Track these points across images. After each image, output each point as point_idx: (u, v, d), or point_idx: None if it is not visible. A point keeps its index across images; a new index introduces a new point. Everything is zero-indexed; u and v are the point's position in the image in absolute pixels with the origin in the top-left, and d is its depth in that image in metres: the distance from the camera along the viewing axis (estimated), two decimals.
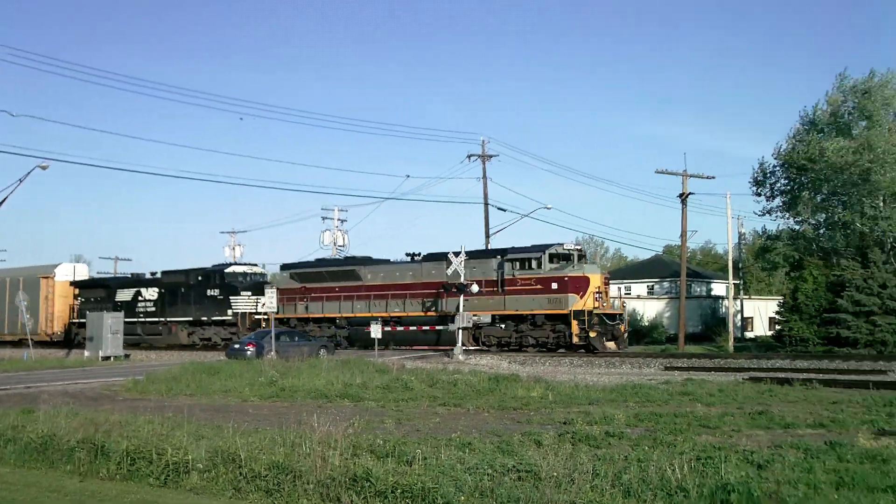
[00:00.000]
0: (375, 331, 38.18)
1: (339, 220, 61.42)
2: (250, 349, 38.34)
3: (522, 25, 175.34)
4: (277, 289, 51.46)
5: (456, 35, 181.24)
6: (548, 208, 56.34)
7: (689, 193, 52.62)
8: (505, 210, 58.71)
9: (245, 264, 54.74)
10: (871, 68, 53.86)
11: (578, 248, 42.71)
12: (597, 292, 39.30)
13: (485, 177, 55.64)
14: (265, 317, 49.51)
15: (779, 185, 56.86)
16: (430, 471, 11.48)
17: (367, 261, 49.99)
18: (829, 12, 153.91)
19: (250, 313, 51.41)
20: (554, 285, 39.70)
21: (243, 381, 26.46)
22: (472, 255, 43.02)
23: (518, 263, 41.12)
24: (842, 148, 49.66)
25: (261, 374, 27.68)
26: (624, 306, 43.70)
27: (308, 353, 35.99)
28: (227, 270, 53.03)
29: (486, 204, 55.58)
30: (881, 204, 50.34)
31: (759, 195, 57.62)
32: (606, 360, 35.98)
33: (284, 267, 53.47)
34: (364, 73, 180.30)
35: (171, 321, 54.76)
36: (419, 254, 46.04)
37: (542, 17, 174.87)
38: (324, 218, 61.87)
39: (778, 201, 56.94)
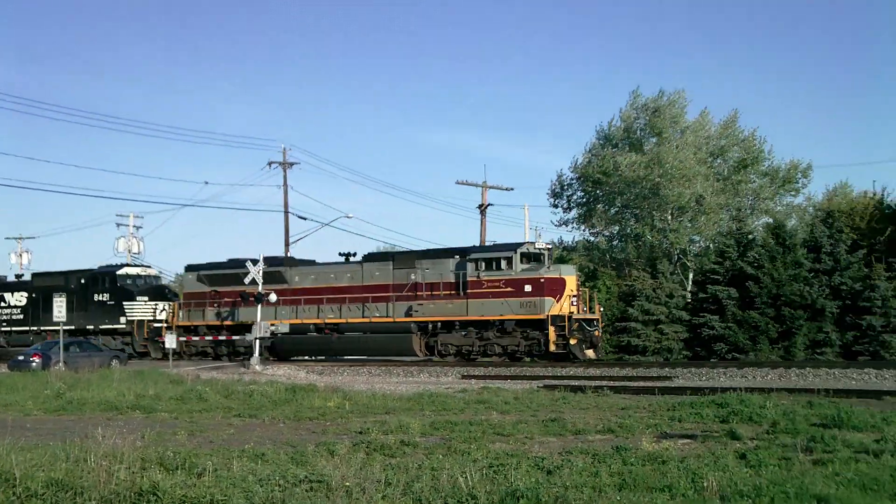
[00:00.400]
0: (170, 341, 37.33)
1: (134, 226, 59.67)
2: (36, 360, 36.76)
3: (324, 34, 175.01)
4: (183, 293, 47.21)
5: (259, 43, 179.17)
6: (349, 217, 56.29)
7: (489, 204, 53.71)
8: (306, 219, 58.47)
9: (138, 266, 49.94)
10: (661, 88, 56.44)
11: (549, 246, 39.98)
12: (573, 295, 36.43)
13: (285, 185, 55.34)
14: (166, 324, 46.00)
15: (575, 197, 58.53)
16: (220, 483, 11.27)
17: (291, 261, 45.88)
18: (625, 31, 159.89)
19: (148, 321, 46.63)
20: (527, 287, 36.34)
21: (26, 393, 25.26)
22: (424, 254, 40.31)
23: (483, 263, 37.45)
24: (634, 163, 51.59)
25: (47, 386, 26.51)
26: (600, 310, 40.44)
27: (99, 363, 34.88)
28: (118, 272, 48.13)
29: (287, 212, 55.28)
30: (669, 217, 52.51)
31: (557, 207, 59.21)
32: (404, 368, 36.09)
33: (191, 268, 47.91)
34: (161, 77, 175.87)
35: (45, 330, 48.79)
36: (353, 254, 42.32)
37: (343, 25, 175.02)
38: (118, 224, 59.97)
39: (574, 213, 58.58)
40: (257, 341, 39.18)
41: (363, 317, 40.07)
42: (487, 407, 21.36)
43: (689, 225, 52.13)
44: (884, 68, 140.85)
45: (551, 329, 35.42)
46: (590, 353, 36.73)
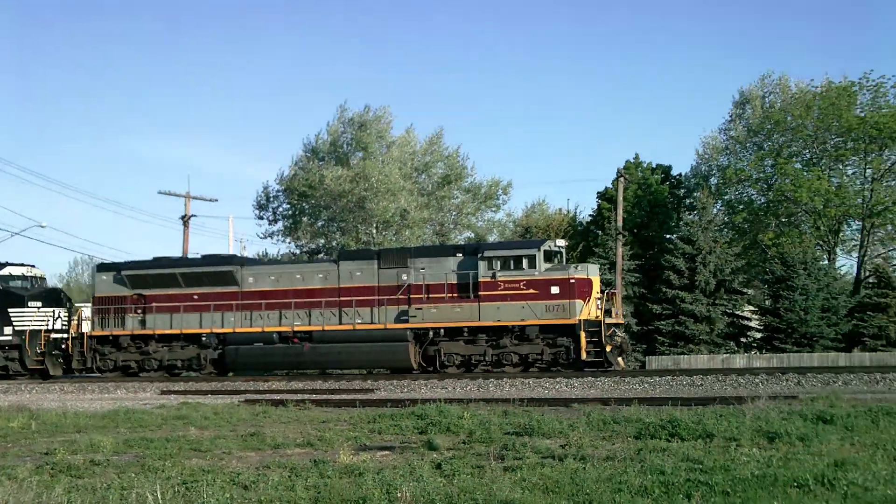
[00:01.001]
0: None
1: None
2: None
3: (20, 33, 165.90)
4: (94, 297, 39.03)
5: None
6: (42, 226, 53.59)
7: (192, 215, 52.73)
8: None
9: (22, 265, 40.82)
10: (366, 103, 57.37)
11: (566, 244, 36.56)
12: (598, 297, 33.02)
13: None
14: (66, 335, 38.82)
15: (281, 209, 58.62)
16: None
17: (243, 260, 39.39)
18: (337, 43, 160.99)
19: (44, 331, 38.62)
20: (554, 289, 32.42)
21: None
22: (419, 252, 35.79)
23: (500, 262, 33.06)
24: (340, 176, 52.22)
25: None
26: (623, 314, 36.66)
27: None
28: (1, 273, 39.68)
29: None
30: (374, 231, 53.39)
31: (262, 219, 59.06)
32: (100, 384, 34.48)
33: (105, 268, 39.72)
34: None
35: None
36: (319, 252, 37.17)
37: (40, 25, 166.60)
38: None
39: (280, 225, 58.67)
40: None
41: (341, 323, 34.93)
42: (186, 423, 20.82)
43: (394, 239, 53.16)
44: (574, 89, 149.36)
45: (582, 335, 32.02)
46: (619, 360, 33.59)
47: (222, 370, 36.91)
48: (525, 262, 32.94)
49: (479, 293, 33.04)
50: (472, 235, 55.59)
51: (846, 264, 56.56)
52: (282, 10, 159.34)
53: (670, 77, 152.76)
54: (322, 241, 57.32)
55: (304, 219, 56.80)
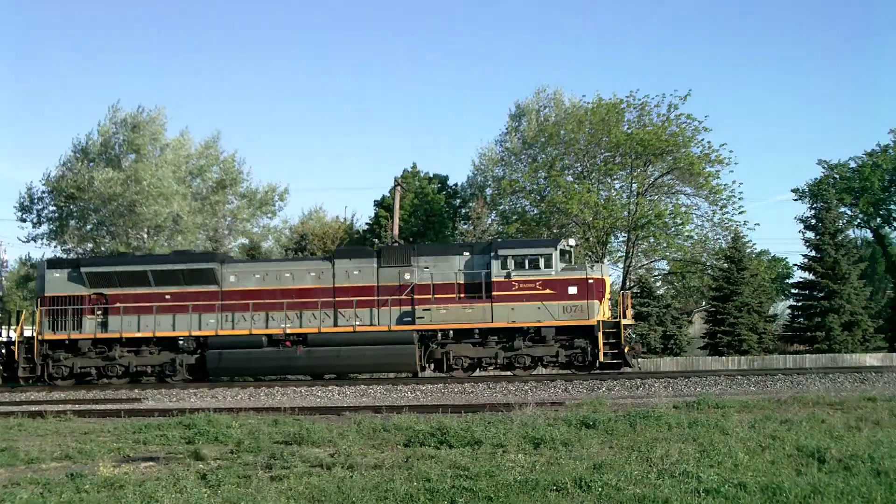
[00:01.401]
0: None
1: None
2: None
3: None
4: (44, 297, 34.40)
5: None
6: None
7: None
8: None
9: None
10: (140, 104, 55.96)
11: (576, 243, 34.87)
12: (609, 298, 32.19)
13: None
14: (4, 338, 34.03)
15: (46, 212, 56.17)
16: None
17: (223, 258, 35.98)
18: (108, 44, 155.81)
19: None
20: (572, 290, 31.57)
21: None
22: (423, 250, 33.65)
23: (514, 261, 31.86)
24: (110, 179, 50.60)
25: None
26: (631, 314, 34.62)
27: None
28: None
29: None
30: (145, 235, 51.91)
31: (25, 221, 56.47)
32: None
33: (56, 264, 35.29)
34: None
35: None
36: (303, 248, 32.55)
37: None
38: None
39: (45, 228, 56.20)
40: None
41: (337, 325, 32.75)
42: None
43: (166, 244, 51.88)
44: (352, 96, 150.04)
45: (600, 336, 31.33)
46: (634, 362, 33.11)
47: (200, 376, 33.85)
48: (542, 262, 32.07)
49: (492, 293, 31.97)
50: (247, 242, 54.86)
51: (613, 275, 58.90)
52: (61, 10, 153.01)
53: (449, 87, 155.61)
54: (91, 245, 55.31)
55: (72, 222, 54.68)
